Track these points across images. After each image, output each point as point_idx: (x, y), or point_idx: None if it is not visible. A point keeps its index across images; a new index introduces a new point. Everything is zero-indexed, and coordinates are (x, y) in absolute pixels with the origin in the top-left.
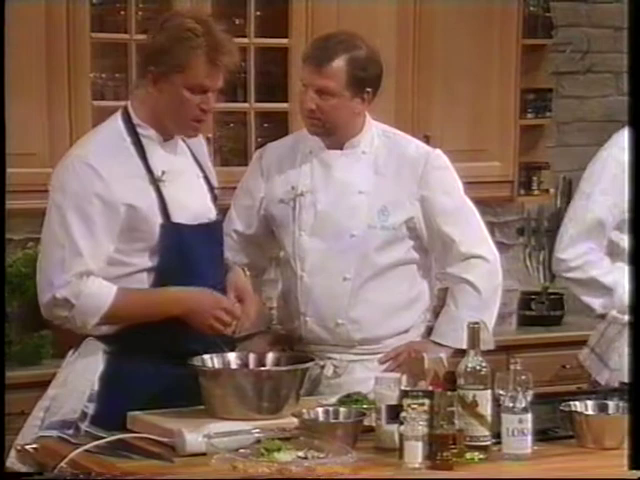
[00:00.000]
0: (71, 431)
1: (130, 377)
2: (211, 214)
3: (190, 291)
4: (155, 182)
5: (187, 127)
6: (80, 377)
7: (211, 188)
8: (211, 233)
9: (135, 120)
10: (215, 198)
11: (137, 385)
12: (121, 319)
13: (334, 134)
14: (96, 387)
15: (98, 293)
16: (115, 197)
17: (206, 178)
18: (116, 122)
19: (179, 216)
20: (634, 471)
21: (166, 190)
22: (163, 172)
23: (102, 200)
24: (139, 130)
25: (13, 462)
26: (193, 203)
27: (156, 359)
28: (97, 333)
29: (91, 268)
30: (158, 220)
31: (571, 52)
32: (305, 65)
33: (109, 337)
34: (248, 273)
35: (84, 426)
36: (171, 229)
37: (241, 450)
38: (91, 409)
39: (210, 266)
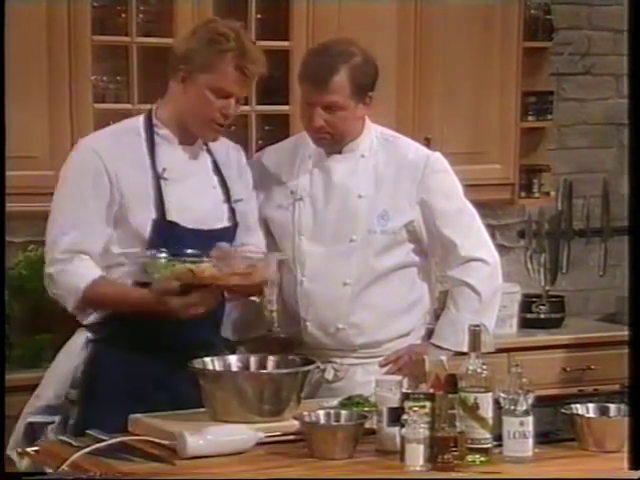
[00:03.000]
0: (57, 417)
1: (111, 365)
2: (221, 223)
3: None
4: (157, 178)
5: (206, 128)
6: (63, 363)
7: (228, 199)
8: (216, 240)
9: (154, 120)
10: (232, 210)
11: (117, 374)
12: (96, 306)
13: (340, 142)
14: (79, 373)
15: (77, 274)
16: (114, 186)
17: (225, 188)
18: (138, 119)
19: (177, 216)
20: (633, 471)
21: (167, 188)
22: (164, 169)
23: (101, 186)
24: (155, 129)
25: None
26: (198, 207)
27: (138, 350)
28: (85, 322)
29: (81, 248)
30: (152, 215)
31: (571, 55)
32: (306, 84)
33: (94, 325)
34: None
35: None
36: (164, 227)
37: None
38: (73, 395)
39: None
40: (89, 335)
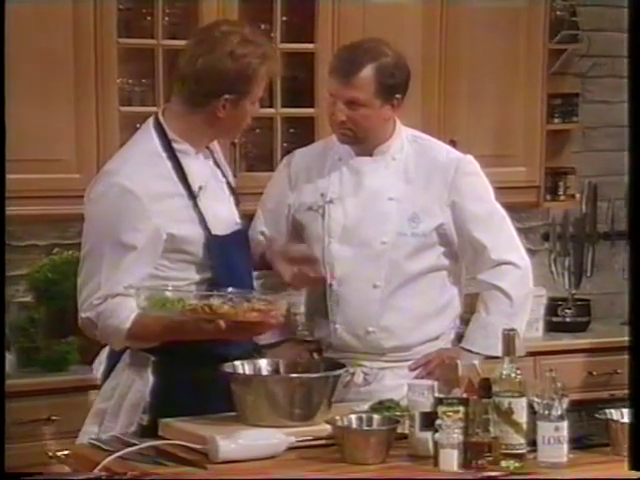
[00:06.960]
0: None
1: (181, 385)
2: (237, 219)
3: None
4: (194, 198)
5: (238, 133)
6: (131, 390)
7: (232, 191)
8: (241, 240)
9: (170, 135)
10: (237, 201)
11: (188, 392)
12: (145, 341)
13: (365, 142)
14: (148, 398)
15: (117, 315)
16: (156, 225)
17: (228, 183)
18: (150, 137)
19: (216, 228)
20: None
21: (202, 204)
22: (200, 187)
23: (142, 229)
24: (175, 145)
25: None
26: (224, 213)
27: (202, 364)
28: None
29: (118, 292)
30: (201, 237)
31: (598, 57)
32: (332, 77)
33: (153, 347)
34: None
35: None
36: (213, 242)
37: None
38: (145, 420)
39: (248, 273)
40: (151, 357)
